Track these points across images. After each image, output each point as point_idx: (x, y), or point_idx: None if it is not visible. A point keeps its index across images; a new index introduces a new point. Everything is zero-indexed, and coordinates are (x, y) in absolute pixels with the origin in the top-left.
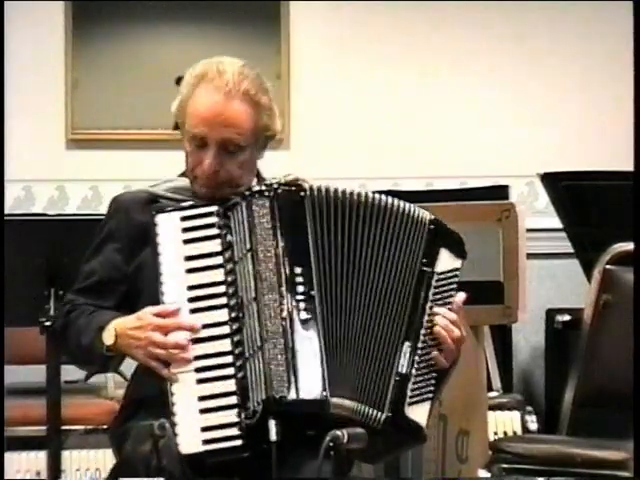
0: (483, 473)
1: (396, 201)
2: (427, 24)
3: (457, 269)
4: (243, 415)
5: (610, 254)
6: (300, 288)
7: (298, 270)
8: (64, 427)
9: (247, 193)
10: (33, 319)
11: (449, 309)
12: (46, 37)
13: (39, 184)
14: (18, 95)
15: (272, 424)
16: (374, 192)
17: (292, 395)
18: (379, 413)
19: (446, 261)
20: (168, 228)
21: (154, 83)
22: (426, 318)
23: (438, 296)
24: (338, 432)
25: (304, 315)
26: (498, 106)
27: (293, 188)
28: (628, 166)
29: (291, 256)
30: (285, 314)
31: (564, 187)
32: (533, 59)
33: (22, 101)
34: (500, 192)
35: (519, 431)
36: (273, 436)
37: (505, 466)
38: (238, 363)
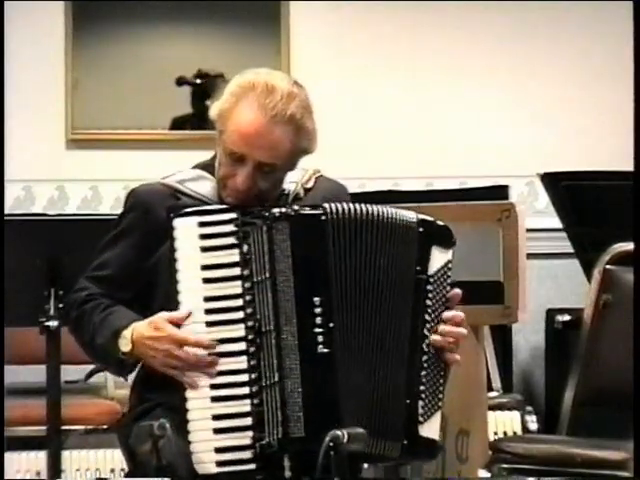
0: (483, 473)
1: (386, 211)
2: (427, 24)
3: (449, 261)
4: (258, 445)
5: (610, 254)
6: (318, 320)
7: (317, 300)
8: (64, 427)
9: (267, 214)
10: (33, 319)
11: (447, 307)
12: (46, 37)
13: (39, 184)
14: (18, 95)
15: (287, 462)
16: (374, 191)
17: (308, 436)
18: (395, 443)
19: (438, 258)
20: (186, 233)
21: (154, 83)
22: (428, 327)
23: (436, 298)
24: (338, 432)
25: (321, 349)
26: (498, 106)
27: (315, 212)
28: (628, 166)
29: (310, 285)
30: (303, 349)
31: (564, 187)
32: (533, 59)
33: (22, 101)
34: (500, 192)
35: (519, 431)
36: (287, 474)
37: (505, 466)
38: (254, 388)
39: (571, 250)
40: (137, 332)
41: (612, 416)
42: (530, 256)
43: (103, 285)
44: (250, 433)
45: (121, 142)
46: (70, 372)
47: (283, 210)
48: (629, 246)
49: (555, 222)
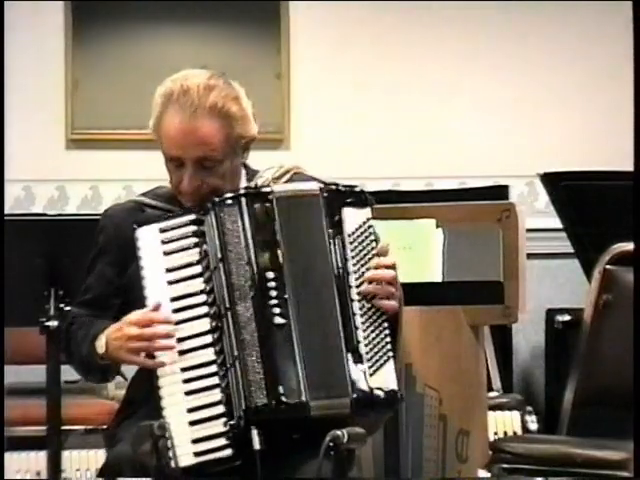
0: (483, 473)
1: (295, 186)
2: (427, 24)
3: (368, 219)
4: (229, 425)
5: (610, 254)
6: (273, 293)
7: (270, 275)
8: (64, 427)
9: (216, 200)
10: (33, 319)
11: (375, 254)
12: (46, 37)
13: (39, 184)
14: (18, 95)
15: (255, 434)
16: (374, 191)
17: (272, 403)
18: (344, 399)
19: (353, 218)
20: (148, 241)
21: (154, 83)
22: (354, 280)
23: (360, 253)
24: (338, 432)
25: (278, 320)
26: (498, 106)
27: (260, 191)
28: (628, 166)
29: (263, 261)
30: (259, 321)
31: (564, 187)
32: (533, 59)
33: (22, 101)
34: (500, 192)
35: (519, 431)
36: (256, 445)
37: (505, 466)
38: (221, 372)
39: (571, 250)
40: (107, 332)
41: (612, 416)
42: (530, 256)
43: (89, 309)
44: (223, 420)
45: (121, 142)
46: (70, 372)
47: (229, 196)
48: (629, 246)
49: (555, 222)
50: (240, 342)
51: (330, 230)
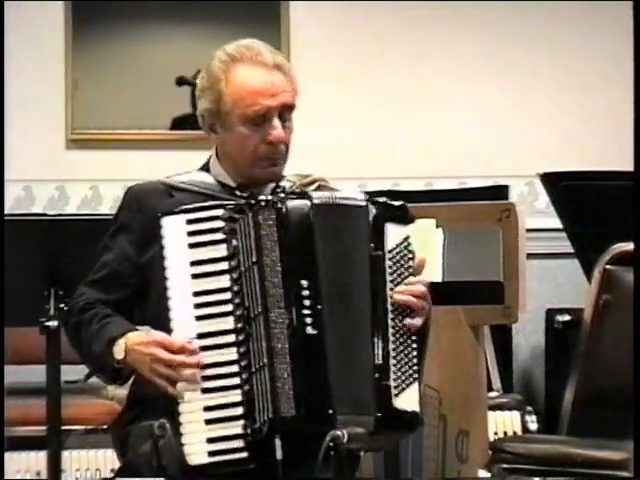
0: (483, 473)
1: (344, 195)
2: (427, 25)
3: (408, 237)
4: (249, 430)
5: (610, 254)
6: (307, 302)
7: (305, 283)
8: (64, 427)
9: (253, 202)
10: (33, 319)
11: (410, 273)
12: (46, 37)
13: (39, 184)
14: (18, 95)
15: (278, 443)
16: (374, 192)
17: (299, 414)
18: (368, 417)
19: (395, 234)
20: (173, 231)
21: (154, 83)
22: (390, 303)
23: (395, 273)
24: (338, 432)
25: (310, 330)
26: (498, 106)
27: (300, 197)
28: (628, 166)
29: (298, 269)
30: (291, 331)
31: (564, 187)
32: (533, 59)
33: (22, 101)
34: (500, 192)
35: (519, 431)
36: (279, 454)
37: (505, 466)
38: (244, 375)
39: (571, 250)
40: (130, 339)
41: (612, 416)
42: (530, 256)
43: (103, 288)
44: (242, 422)
45: (121, 142)
46: (70, 372)
47: (269, 198)
48: (629, 246)
49: (555, 222)
50: (270, 349)
51: (372, 244)
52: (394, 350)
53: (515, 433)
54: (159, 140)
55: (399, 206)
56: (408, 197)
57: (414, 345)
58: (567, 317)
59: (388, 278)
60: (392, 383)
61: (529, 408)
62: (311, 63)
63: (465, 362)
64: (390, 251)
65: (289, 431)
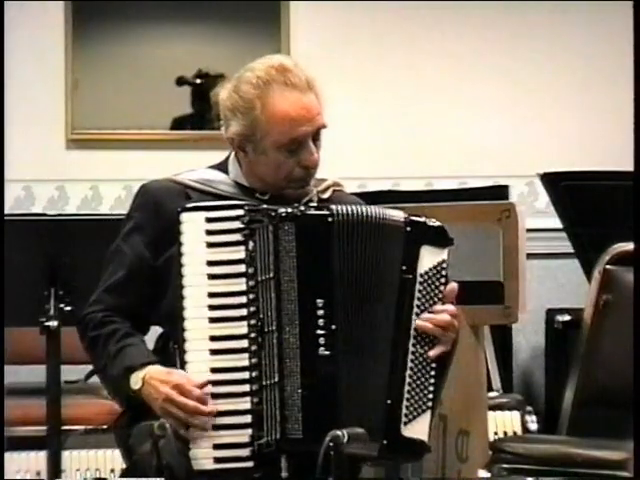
0: (483, 473)
1: (378, 211)
2: (428, 25)
3: (444, 261)
4: (256, 444)
5: (610, 254)
6: (321, 322)
7: (320, 302)
8: (64, 427)
9: (273, 214)
10: (33, 319)
11: (440, 299)
12: (46, 37)
13: (39, 184)
14: (18, 95)
15: (284, 463)
16: (374, 191)
17: (307, 437)
18: (375, 443)
19: (429, 258)
20: (192, 228)
21: (154, 83)
22: (413, 328)
23: (424, 298)
24: (338, 432)
25: (323, 351)
26: (498, 106)
27: (321, 213)
28: (628, 166)
29: (314, 286)
30: (304, 350)
31: (564, 187)
32: (533, 59)
33: (22, 101)
34: (500, 192)
35: (519, 431)
36: (284, 473)
37: (505, 466)
38: (255, 386)
39: (571, 250)
40: (149, 374)
41: (612, 416)
42: (530, 256)
43: (118, 292)
44: (249, 431)
45: (121, 142)
46: (70, 372)
47: (290, 210)
48: (629, 246)
49: (555, 222)
50: (281, 367)
51: (403, 267)
52: (411, 377)
53: (515, 433)
54: (159, 140)
55: (437, 227)
56: (408, 197)
57: (432, 373)
58: (567, 317)
59: (416, 303)
60: (404, 410)
61: (529, 408)
62: (311, 63)
63: (465, 362)
64: (422, 275)
65: (296, 453)
